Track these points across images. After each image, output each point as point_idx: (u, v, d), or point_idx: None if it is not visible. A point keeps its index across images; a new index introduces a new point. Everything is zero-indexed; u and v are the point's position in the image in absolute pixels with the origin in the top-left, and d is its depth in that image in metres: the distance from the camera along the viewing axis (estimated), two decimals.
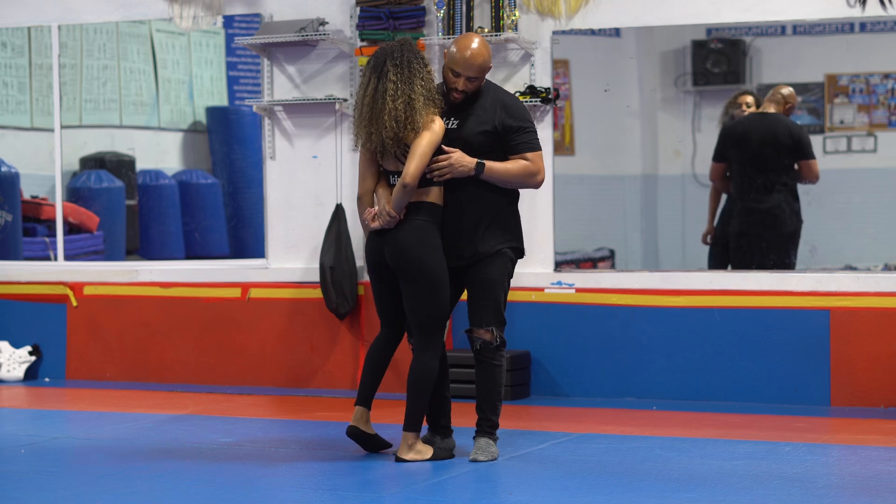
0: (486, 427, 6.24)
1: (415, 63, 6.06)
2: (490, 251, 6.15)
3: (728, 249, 8.96)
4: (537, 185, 6.25)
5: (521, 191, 6.31)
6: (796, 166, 8.81)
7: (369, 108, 6.05)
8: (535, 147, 6.19)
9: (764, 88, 9.90)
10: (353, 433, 6.28)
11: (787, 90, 8.92)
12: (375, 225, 6.10)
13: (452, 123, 6.16)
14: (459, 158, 6.05)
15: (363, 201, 6.20)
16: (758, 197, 8.80)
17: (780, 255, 8.77)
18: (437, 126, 6.04)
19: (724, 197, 9.13)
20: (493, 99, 6.18)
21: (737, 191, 8.92)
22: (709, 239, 9.15)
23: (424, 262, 6.04)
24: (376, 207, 6.14)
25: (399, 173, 6.07)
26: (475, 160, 6.07)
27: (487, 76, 6.24)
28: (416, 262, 6.04)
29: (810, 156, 8.81)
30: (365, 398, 6.28)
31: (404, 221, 6.06)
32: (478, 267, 6.16)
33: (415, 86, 6.02)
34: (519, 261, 6.33)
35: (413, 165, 5.97)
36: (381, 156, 6.13)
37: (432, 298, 6.07)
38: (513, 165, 6.14)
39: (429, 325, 6.11)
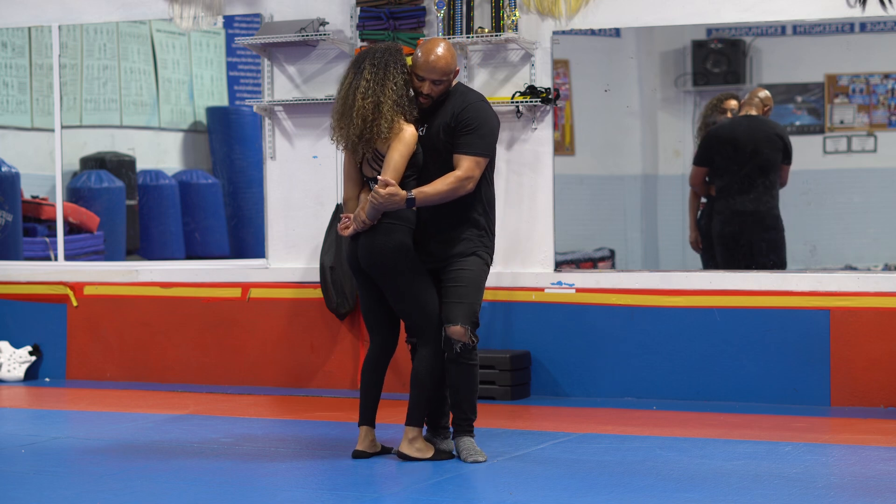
0: (467, 426, 6.23)
1: (391, 67, 6.05)
2: (462, 252, 6.14)
3: (713, 248, 8.96)
4: (468, 191, 6.11)
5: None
6: None
7: (342, 103, 6.10)
8: (476, 152, 6.06)
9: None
10: (359, 457, 6.26)
11: (763, 93, 8.97)
12: (349, 231, 6.12)
13: (422, 130, 6.14)
14: (391, 196, 5.94)
15: (347, 206, 6.22)
16: (749, 198, 8.81)
17: (774, 254, 8.78)
18: (408, 135, 6.03)
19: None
20: (458, 100, 6.14)
21: (724, 193, 8.92)
22: (700, 244, 9.14)
23: (397, 263, 6.04)
24: (349, 217, 6.16)
25: (375, 180, 6.08)
26: (405, 195, 5.97)
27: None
28: (389, 263, 6.05)
29: (790, 161, 8.86)
30: (368, 418, 6.28)
31: (377, 224, 6.06)
32: (451, 268, 6.15)
33: (386, 89, 6.01)
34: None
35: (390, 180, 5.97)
36: (355, 156, 6.14)
37: (414, 298, 6.09)
38: (441, 184, 6.03)
39: (420, 323, 6.13)
